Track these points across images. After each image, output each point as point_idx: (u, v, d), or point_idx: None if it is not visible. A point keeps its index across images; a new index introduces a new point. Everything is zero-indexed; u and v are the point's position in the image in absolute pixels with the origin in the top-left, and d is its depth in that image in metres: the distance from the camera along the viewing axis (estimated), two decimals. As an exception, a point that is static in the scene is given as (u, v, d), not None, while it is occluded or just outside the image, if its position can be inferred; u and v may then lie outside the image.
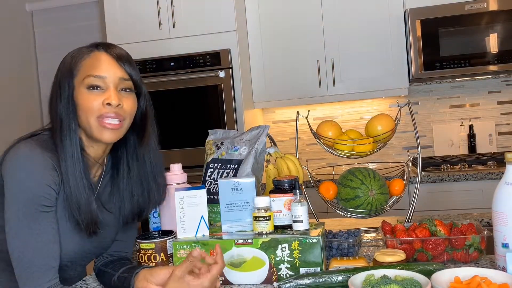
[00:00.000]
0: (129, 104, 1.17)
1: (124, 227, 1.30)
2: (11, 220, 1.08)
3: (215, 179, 1.50)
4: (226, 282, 1.19)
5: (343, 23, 3.07)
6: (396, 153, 3.36)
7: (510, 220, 1.05)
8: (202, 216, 1.25)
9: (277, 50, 3.15)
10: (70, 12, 3.69)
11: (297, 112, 1.65)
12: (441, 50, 2.87)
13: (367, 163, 1.94)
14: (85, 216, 1.14)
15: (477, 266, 1.16)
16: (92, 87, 1.13)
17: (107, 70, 1.14)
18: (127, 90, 1.17)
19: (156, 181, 1.28)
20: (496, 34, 2.81)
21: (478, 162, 2.84)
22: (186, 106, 2.91)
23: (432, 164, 2.89)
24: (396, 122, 1.54)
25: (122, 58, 1.17)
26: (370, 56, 3.05)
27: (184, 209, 1.24)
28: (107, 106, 1.12)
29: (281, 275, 1.16)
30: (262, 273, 1.17)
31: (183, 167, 1.42)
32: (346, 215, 1.51)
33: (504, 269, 1.06)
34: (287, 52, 3.14)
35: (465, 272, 1.01)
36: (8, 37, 3.60)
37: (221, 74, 2.85)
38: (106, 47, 1.17)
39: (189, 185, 1.38)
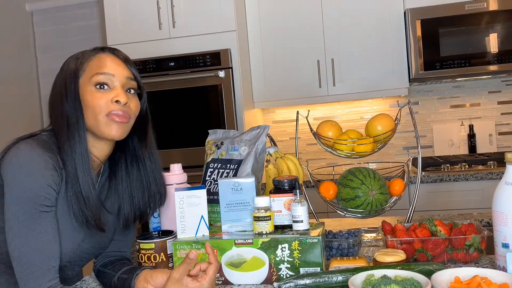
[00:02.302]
0: (134, 104, 1.20)
1: (123, 228, 1.30)
2: (11, 220, 1.08)
3: (215, 179, 1.50)
4: (226, 282, 1.19)
5: (343, 23, 3.07)
6: (396, 153, 3.36)
7: (510, 220, 1.05)
8: (202, 216, 1.25)
9: (277, 50, 3.15)
10: (70, 12, 3.69)
11: (297, 112, 1.65)
12: (441, 50, 2.87)
13: (367, 163, 1.94)
14: (96, 212, 1.15)
15: (477, 266, 1.16)
16: (100, 85, 1.15)
17: (115, 69, 1.17)
18: (132, 91, 1.20)
19: (157, 183, 1.29)
20: (496, 34, 2.81)
21: (478, 162, 2.84)
22: (186, 106, 2.91)
23: (432, 164, 2.89)
24: (396, 122, 1.54)
25: (128, 60, 1.22)
26: (370, 56, 3.05)
27: (184, 209, 1.24)
28: (115, 104, 1.15)
29: (281, 275, 1.16)
30: (262, 273, 1.16)
31: (183, 167, 1.43)
32: (346, 215, 1.51)
33: (504, 269, 1.06)
34: (287, 52, 3.14)
35: (465, 272, 1.01)
36: (8, 37, 3.60)
37: (221, 74, 2.84)
38: (111, 49, 1.22)
39: (189, 185, 1.38)
